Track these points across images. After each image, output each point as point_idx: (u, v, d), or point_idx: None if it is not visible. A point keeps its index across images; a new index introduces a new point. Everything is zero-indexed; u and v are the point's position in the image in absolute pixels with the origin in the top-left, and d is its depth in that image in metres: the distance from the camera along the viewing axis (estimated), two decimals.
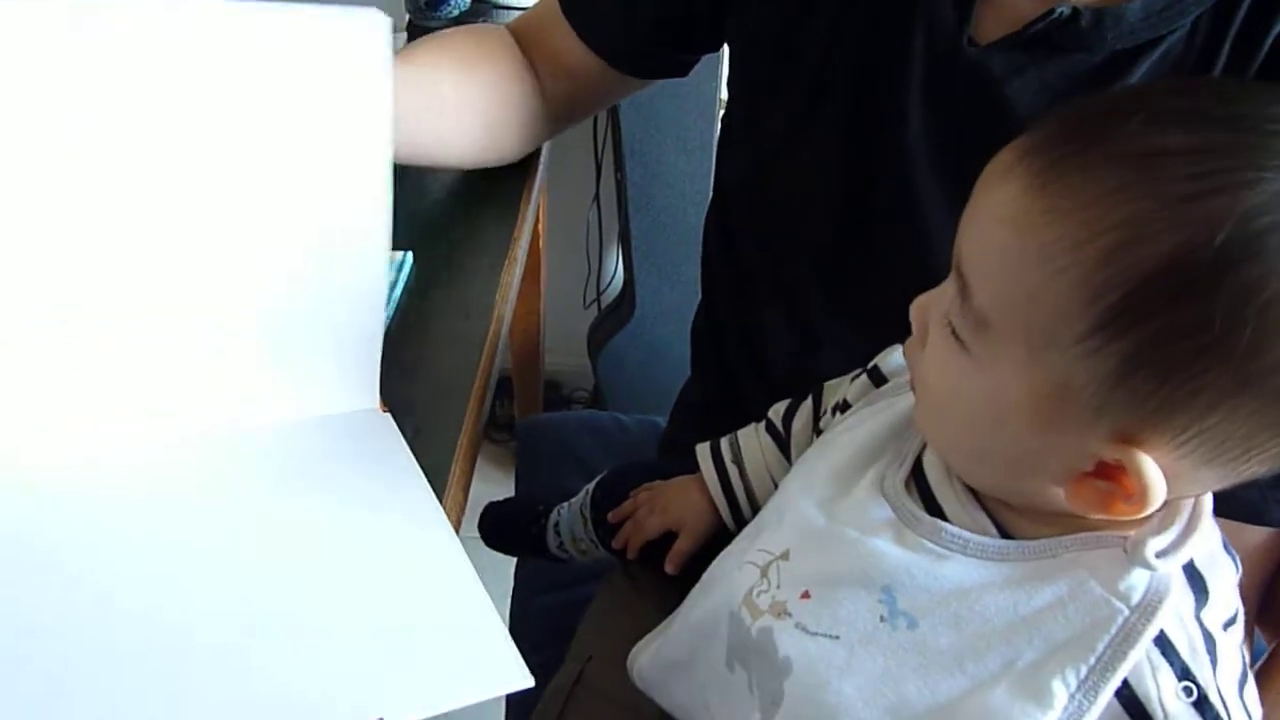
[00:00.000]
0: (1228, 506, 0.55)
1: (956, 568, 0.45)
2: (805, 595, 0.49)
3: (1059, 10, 0.54)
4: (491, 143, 0.78)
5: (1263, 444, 0.38)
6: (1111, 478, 0.40)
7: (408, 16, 1.06)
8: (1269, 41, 0.52)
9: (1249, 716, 0.41)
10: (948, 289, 0.43)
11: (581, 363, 1.67)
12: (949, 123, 0.60)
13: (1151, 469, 0.38)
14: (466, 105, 0.74)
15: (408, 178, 0.84)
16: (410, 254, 0.72)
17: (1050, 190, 0.37)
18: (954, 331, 0.42)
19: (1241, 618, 0.45)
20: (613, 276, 1.64)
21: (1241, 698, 0.41)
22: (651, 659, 0.60)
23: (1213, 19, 0.53)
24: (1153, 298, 0.35)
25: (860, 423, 0.55)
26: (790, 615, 0.49)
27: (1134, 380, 0.37)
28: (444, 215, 0.70)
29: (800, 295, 0.71)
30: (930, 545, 0.46)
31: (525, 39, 0.81)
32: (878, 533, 0.48)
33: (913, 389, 0.49)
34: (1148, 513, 0.40)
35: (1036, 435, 0.41)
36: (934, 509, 0.47)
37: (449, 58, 0.74)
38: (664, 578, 0.66)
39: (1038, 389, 0.40)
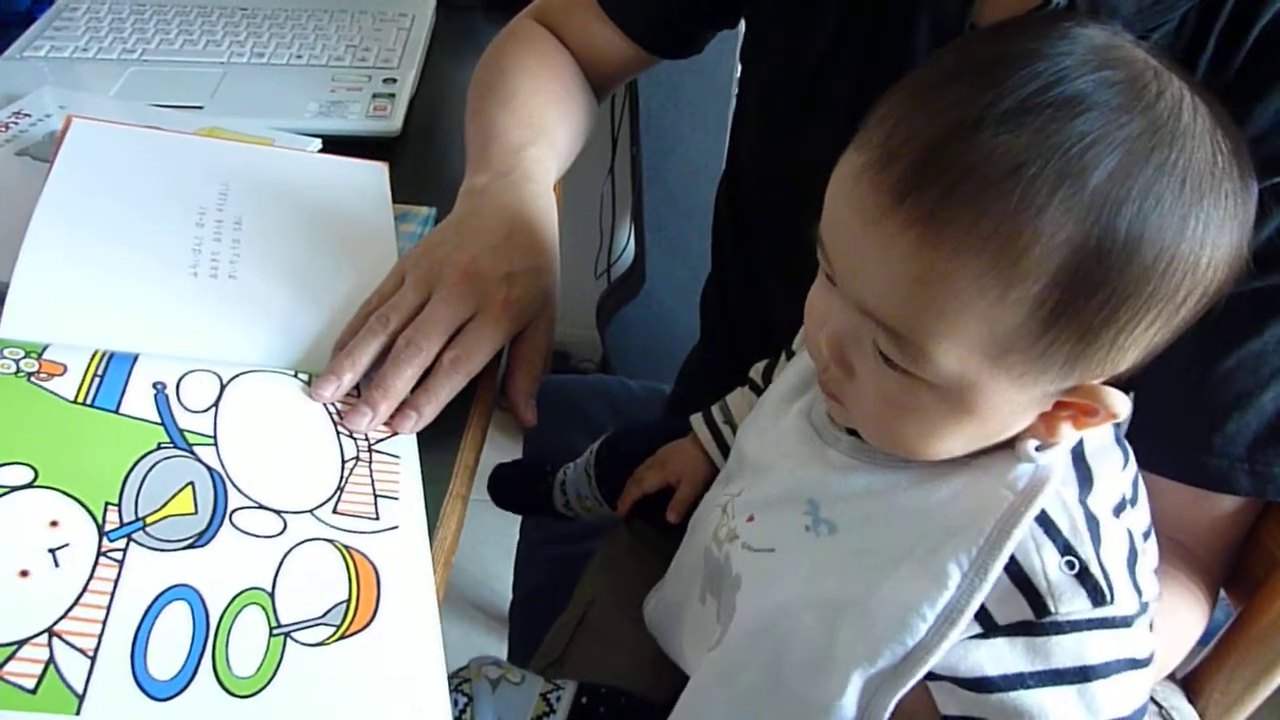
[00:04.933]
0: (1197, 475, 0.58)
1: (870, 476, 0.49)
2: (750, 519, 0.54)
3: (1056, 1, 0.55)
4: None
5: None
6: (1070, 405, 0.44)
7: None
8: (1253, 37, 0.53)
9: (1138, 591, 0.45)
10: (856, 323, 0.44)
11: (590, 333, 1.70)
12: None
13: (1109, 393, 0.43)
14: (582, 134, 0.82)
15: (432, 140, 0.88)
16: (434, 210, 0.76)
17: (948, 235, 0.39)
18: (890, 362, 0.43)
19: (1141, 506, 0.49)
20: (624, 248, 1.66)
21: (1132, 575, 0.45)
22: (656, 605, 0.64)
23: (1200, 14, 0.54)
24: (1090, 283, 0.39)
25: (794, 363, 0.59)
26: (739, 538, 0.54)
27: (1093, 347, 0.41)
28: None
29: (804, 268, 0.74)
30: (849, 459, 0.50)
31: (552, 26, 0.83)
32: (802, 454, 0.52)
33: (834, 411, 0.50)
34: (1120, 417, 0.43)
35: (1004, 414, 0.44)
36: (853, 429, 0.50)
37: (563, 106, 0.80)
38: (665, 531, 0.69)
39: (1002, 384, 0.42)
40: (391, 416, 0.58)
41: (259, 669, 0.45)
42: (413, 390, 0.59)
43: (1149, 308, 0.40)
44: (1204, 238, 0.40)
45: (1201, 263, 0.40)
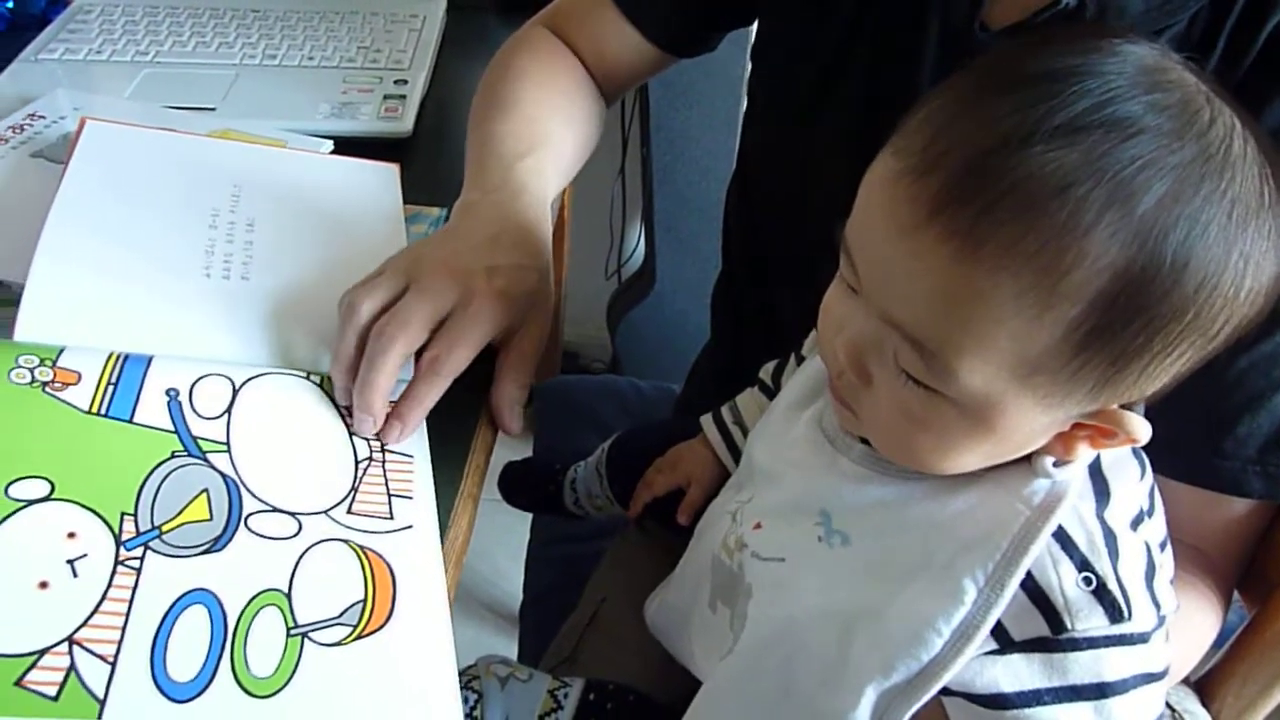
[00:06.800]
0: (1209, 478, 0.58)
1: (883, 487, 0.48)
2: (757, 526, 0.54)
3: (1065, 1, 0.55)
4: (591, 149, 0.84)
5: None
6: (1089, 427, 0.43)
7: None
8: (1263, 36, 0.53)
9: (1156, 605, 0.44)
10: (878, 332, 0.43)
11: (600, 334, 1.70)
12: None
13: (1130, 418, 0.42)
14: (587, 140, 0.82)
15: (443, 141, 0.88)
16: (445, 211, 0.76)
17: (988, 251, 0.38)
18: (912, 377, 0.42)
19: (1158, 517, 0.48)
20: (634, 249, 1.66)
21: (1150, 589, 0.44)
22: (658, 607, 0.64)
23: (1210, 13, 0.54)
24: (1130, 309, 0.38)
25: (805, 369, 0.59)
26: (747, 546, 0.53)
27: (1124, 373, 0.40)
28: None
29: (813, 269, 0.74)
30: (861, 469, 0.50)
31: (564, 31, 0.83)
32: (814, 463, 0.52)
33: (845, 420, 0.49)
34: (1140, 441, 0.43)
35: (1024, 434, 0.43)
36: (865, 438, 0.50)
37: (567, 112, 0.79)
38: (675, 530, 0.69)
39: (1026, 405, 0.41)
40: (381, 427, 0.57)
41: (277, 669, 0.45)
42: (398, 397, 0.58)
43: (1184, 338, 0.39)
44: (1246, 269, 0.39)
45: (1241, 294, 0.39)
